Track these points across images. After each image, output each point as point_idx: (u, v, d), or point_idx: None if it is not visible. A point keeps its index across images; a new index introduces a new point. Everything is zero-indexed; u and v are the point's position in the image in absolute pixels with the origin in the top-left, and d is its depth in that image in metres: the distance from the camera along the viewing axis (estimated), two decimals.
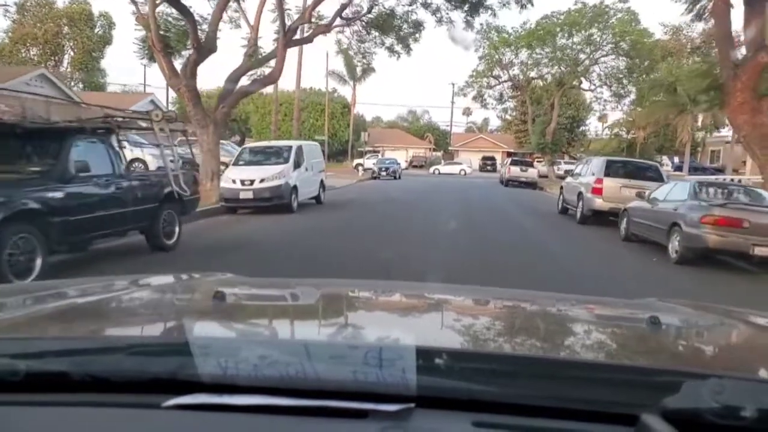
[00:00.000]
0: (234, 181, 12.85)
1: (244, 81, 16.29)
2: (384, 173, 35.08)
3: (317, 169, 15.81)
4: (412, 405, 0.77)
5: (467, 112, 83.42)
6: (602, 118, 57.52)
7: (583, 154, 45.88)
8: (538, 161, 37.68)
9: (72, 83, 36.68)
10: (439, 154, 60.78)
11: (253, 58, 16.40)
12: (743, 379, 0.93)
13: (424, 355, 0.82)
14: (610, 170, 12.89)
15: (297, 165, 13.85)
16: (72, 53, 41.70)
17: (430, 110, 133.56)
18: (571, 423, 0.79)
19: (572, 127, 42.82)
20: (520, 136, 58.89)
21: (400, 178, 35.63)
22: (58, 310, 1.32)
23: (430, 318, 1.55)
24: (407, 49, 21.03)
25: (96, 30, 42.32)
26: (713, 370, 0.95)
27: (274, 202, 12.82)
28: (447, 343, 1.14)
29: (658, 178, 12.66)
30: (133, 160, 8.77)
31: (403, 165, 50.50)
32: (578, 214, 13.52)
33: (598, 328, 1.50)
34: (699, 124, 29.42)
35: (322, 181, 16.04)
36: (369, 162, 40.68)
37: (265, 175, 12.84)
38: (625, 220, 10.85)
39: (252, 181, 12.76)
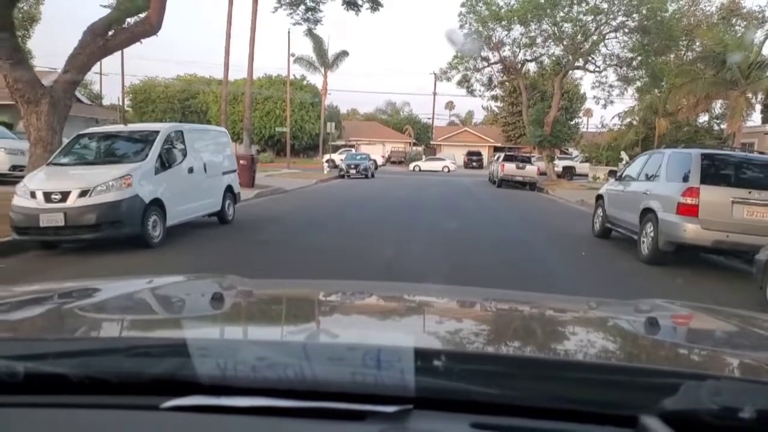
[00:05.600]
0: (33, 195, 7.00)
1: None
2: (353, 171, 29.55)
3: (221, 168, 10.03)
4: (411, 406, 0.77)
5: (450, 106, 78.24)
6: (587, 112, 53.30)
7: (576, 149, 41.30)
8: (530, 156, 32.42)
9: None
10: (420, 148, 56.29)
11: None
12: (741, 380, 0.94)
13: (423, 357, 0.83)
14: (712, 172, 7.27)
15: (167, 164, 8.06)
16: None
17: (411, 102, 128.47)
18: (570, 424, 0.79)
19: (565, 120, 37.76)
20: (508, 129, 54.22)
21: (373, 176, 30.39)
22: (57, 311, 1.30)
23: (429, 319, 1.51)
24: (373, 2, 15.34)
25: (20, 4, 36.22)
26: (712, 372, 0.98)
27: (105, 233, 7.01)
28: (445, 345, 1.13)
29: None
30: None
31: (380, 161, 45.47)
32: (644, 247, 7.93)
33: (597, 329, 1.46)
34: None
35: (230, 188, 10.26)
36: (341, 157, 35.08)
37: (90, 184, 7.03)
38: None
39: (64, 195, 6.93)
